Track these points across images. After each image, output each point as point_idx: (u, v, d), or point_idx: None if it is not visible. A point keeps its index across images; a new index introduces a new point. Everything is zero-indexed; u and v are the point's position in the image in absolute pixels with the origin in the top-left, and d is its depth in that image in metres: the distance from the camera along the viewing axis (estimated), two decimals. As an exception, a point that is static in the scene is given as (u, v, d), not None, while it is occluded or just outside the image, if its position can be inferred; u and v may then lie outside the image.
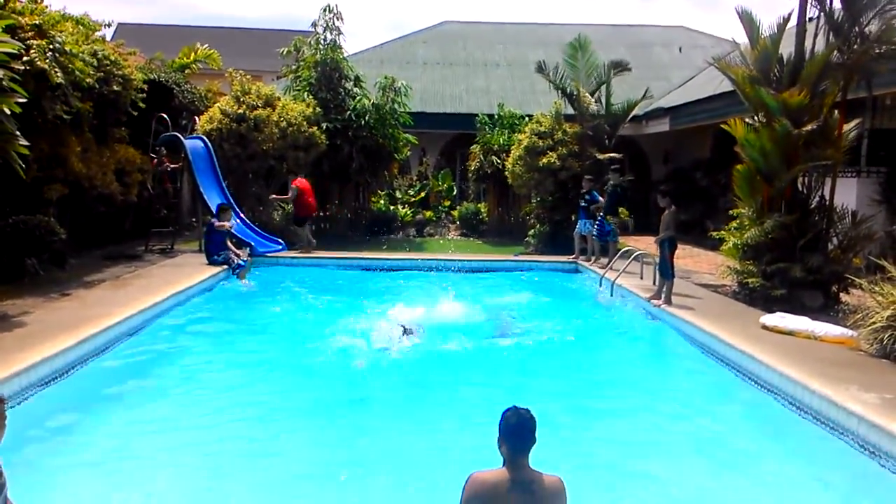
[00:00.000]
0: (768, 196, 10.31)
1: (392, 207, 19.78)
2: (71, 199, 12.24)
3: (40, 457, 5.09)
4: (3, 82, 7.94)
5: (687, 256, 15.60)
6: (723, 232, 11.37)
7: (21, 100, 8.08)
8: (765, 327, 8.60)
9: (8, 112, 7.90)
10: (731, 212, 11.29)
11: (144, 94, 13.63)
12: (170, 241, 14.93)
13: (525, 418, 3.33)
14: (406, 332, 8.54)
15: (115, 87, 12.40)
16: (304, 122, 15.65)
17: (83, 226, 13.22)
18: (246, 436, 5.75)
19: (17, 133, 8.13)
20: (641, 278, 11.75)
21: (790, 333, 8.31)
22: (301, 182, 14.94)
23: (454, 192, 22.13)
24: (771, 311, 9.05)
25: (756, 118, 10.41)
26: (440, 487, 4.43)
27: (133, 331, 8.50)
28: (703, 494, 5.03)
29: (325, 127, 16.35)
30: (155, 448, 5.45)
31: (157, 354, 8.00)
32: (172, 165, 15.38)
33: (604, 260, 13.33)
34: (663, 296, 10.16)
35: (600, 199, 13.85)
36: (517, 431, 3.29)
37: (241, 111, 15.28)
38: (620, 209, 14.33)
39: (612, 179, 13.82)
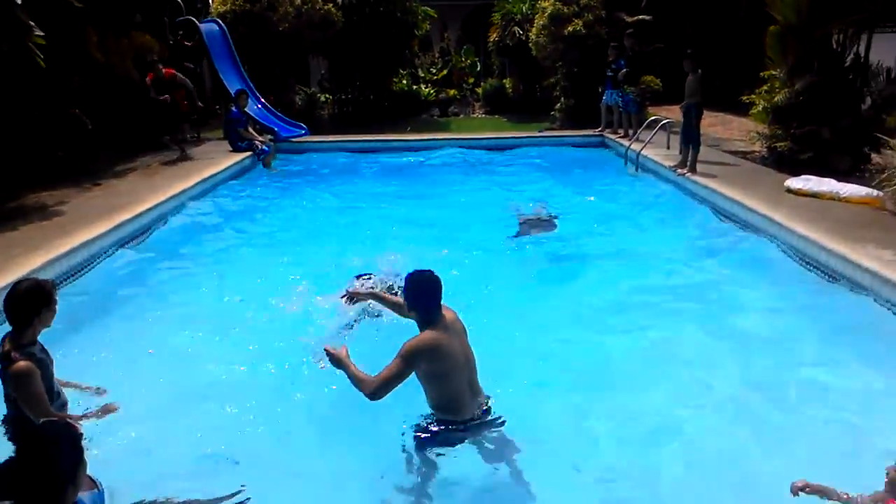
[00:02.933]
0: (800, 56, 9.88)
1: (414, 87, 19.40)
2: (94, 90, 12.28)
3: (79, 335, 5.45)
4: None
5: (718, 124, 15.21)
6: (753, 96, 11.02)
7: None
8: (789, 191, 8.53)
9: (19, 1, 7.84)
10: (762, 74, 10.88)
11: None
12: (195, 129, 15.00)
13: (433, 273, 3.75)
14: None
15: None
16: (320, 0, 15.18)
17: (108, 116, 13.34)
18: (272, 306, 6.02)
19: (32, 23, 8.09)
20: (668, 148, 11.57)
21: (815, 195, 8.24)
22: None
23: (478, 69, 21.53)
24: (798, 176, 8.93)
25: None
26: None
27: (163, 217, 8.81)
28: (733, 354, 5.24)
29: (340, 3, 15.84)
30: (184, 324, 5.76)
31: (188, 238, 8.32)
32: (187, 43, 14.98)
33: (631, 132, 13.08)
34: (688, 164, 10.05)
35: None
36: (436, 286, 3.70)
37: (254, -10, 14.82)
38: (649, 77, 13.86)
39: (630, 46, 13.25)
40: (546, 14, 15.20)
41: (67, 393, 3.92)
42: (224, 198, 10.26)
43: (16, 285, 3.76)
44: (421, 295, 3.71)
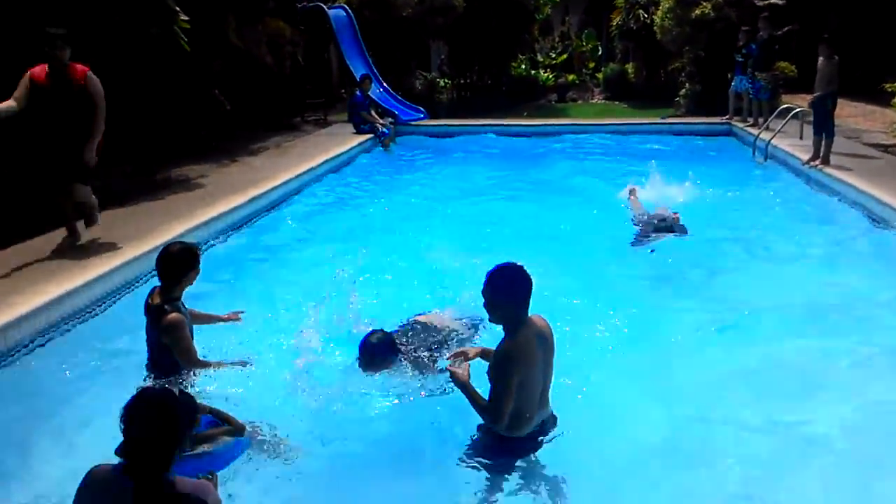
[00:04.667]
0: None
1: (533, 72, 19.31)
2: (231, 74, 13.12)
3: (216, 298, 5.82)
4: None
5: (858, 115, 14.20)
6: (897, 84, 10.22)
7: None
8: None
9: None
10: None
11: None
12: (322, 112, 15.71)
13: (523, 269, 3.32)
14: None
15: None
16: (442, -15, 15.41)
17: (244, 98, 14.19)
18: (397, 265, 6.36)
19: (178, 9, 8.75)
20: (801, 138, 10.93)
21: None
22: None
23: (599, 53, 21.11)
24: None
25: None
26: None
27: (294, 191, 9.41)
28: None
29: (463, -11, 16.00)
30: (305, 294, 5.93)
31: (317, 210, 8.90)
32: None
33: (761, 121, 12.44)
34: (821, 155, 9.48)
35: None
36: (527, 283, 3.28)
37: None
38: (783, 63, 13.08)
39: (763, 30, 12.55)
40: (673, -4, 14.69)
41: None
42: (346, 177, 10.77)
43: (168, 246, 4.18)
44: (510, 292, 3.25)
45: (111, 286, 5.72)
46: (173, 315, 3.93)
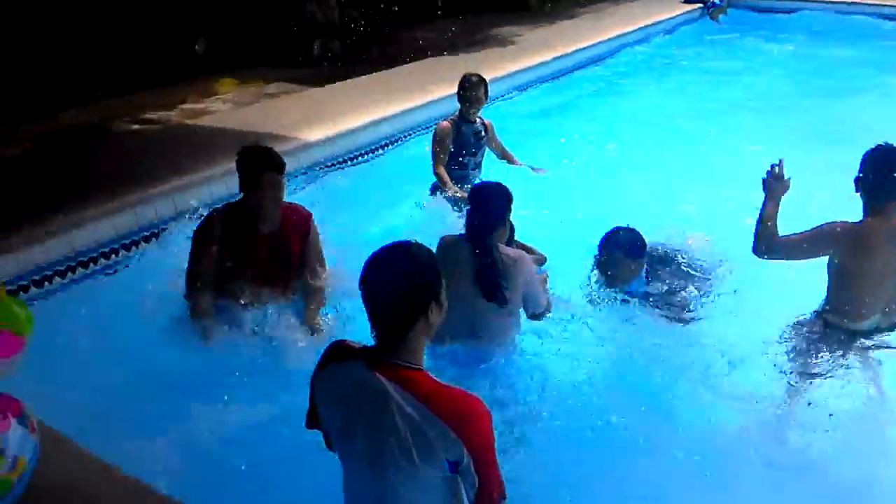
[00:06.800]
0: None
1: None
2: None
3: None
4: None
5: None
6: None
7: None
8: None
9: None
10: None
11: None
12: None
13: None
14: None
15: None
16: None
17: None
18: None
19: None
20: None
21: None
22: None
23: None
24: None
25: None
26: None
27: (606, 54, 9.37)
28: None
29: None
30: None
31: (635, 71, 8.98)
32: None
33: None
34: None
35: None
36: None
37: None
38: None
39: None
40: None
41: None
42: (665, 46, 10.29)
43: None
44: (879, 170, 2.97)
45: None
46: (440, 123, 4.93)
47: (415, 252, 1.79)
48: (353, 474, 1.86)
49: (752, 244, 3.08)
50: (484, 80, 4.87)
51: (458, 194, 4.56)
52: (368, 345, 1.82)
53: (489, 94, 4.97)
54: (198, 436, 2.78)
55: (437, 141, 4.82)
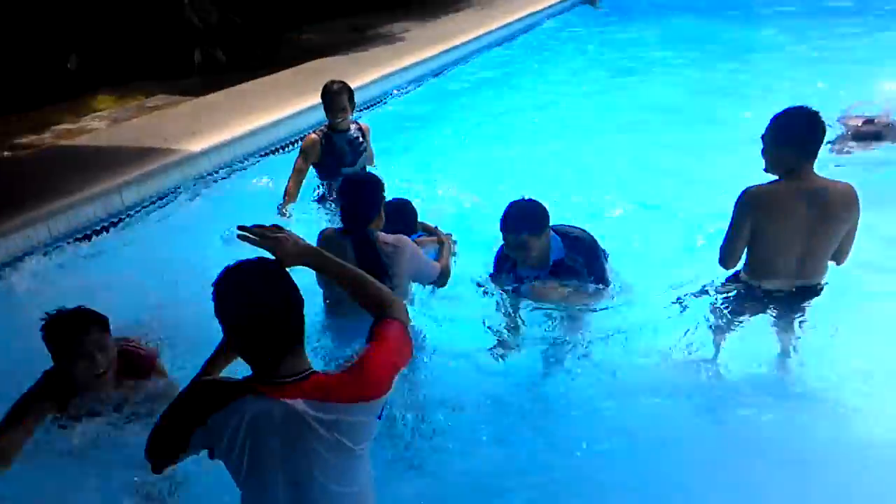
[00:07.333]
0: None
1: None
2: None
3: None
4: None
5: None
6: None
7: None
8: None
9: None
10: None
11: None
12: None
13: (815, 115, 2.89)
14: None
15: None
16: None
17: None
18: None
19: None
20: None
21: None
22: None
23: None
24: None
25: None
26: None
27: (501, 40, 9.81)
28: None
29: None
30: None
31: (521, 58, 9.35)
32: None
33: None
34: None
35: None
36: (812, 129, 2.89)
37: None
38: None
39: None
40: None
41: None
42: (543, 34, 10.62)
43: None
44: (784, 135, 2.91)
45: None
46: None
47: (273, 269, 1.74)
48: (271, 496, 1.75)
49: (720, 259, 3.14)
50: (347, 86, 4.52)
51: (287, 214, 4.34)
52: (241, 378, 1.74)
53: (355, 101, 4.63)
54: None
55: (301, 152, 4.57)
